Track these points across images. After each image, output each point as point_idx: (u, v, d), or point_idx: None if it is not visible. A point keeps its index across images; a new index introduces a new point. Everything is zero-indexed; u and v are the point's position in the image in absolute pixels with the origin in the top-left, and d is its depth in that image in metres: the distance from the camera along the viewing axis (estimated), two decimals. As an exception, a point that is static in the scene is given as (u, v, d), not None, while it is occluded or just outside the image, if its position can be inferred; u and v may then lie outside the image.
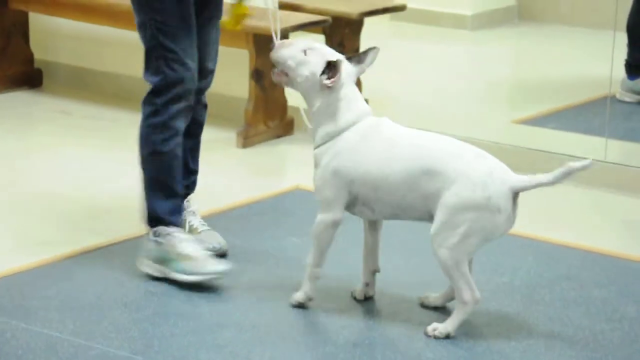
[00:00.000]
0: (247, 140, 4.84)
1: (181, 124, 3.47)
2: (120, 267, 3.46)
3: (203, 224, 3.63)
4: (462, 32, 6.64)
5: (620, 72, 5.39)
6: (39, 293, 3.34)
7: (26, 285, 3.39)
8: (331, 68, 3.17)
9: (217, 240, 3.62)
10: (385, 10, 5.40)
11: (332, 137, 3.21)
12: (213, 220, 3.74)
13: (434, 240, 3.09)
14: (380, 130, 3.21)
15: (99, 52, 5.53)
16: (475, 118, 5.20)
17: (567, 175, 3.08)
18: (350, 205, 3.22)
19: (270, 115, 4.95)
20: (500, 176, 3.09)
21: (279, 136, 4.99)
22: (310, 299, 3.24)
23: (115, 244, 3.67)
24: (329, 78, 3.16)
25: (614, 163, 4.46)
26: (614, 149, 4.59)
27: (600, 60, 5.36)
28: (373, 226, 3.32)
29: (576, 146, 4.64)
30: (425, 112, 5.10)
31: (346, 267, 3.45)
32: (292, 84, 3.28)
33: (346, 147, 3.19)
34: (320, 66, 3.18)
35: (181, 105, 3.44)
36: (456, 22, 6.69)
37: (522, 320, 3.20)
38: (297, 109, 5.07)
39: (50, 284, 3.40)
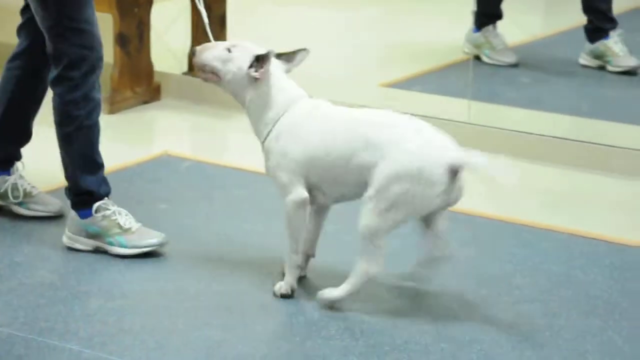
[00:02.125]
0: (113, 106, 4.84)
1: (99, 94, 3.48)
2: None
3: (33, 187, 3.71)
4: None
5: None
6: None
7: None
8: (259, 60, 3.21)
9: (52, 202, 3.74)
10: None
11: (272, 124, 3.26)
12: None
13: (363, 206, 3.13)
14: (318, 110, 3.26)
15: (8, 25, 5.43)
16: (343, 81, 5.23)
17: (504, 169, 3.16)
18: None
19: (136, 81, 4.96)
20: (436, 150, 3.12)
21: (145, 102, 4.99)
22: (293, 290, 3.25)
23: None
24: (256, 71, 3.21)
25: (477, 125, 4.56)
26: (476, 111, 4.69)
27: (465, 23, 5.52)
28: (319, 212, 3.35)
29: (440, 108, 4.73)
30: (295, 75, 5.06)
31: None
32: (222, 83, 3.31)
33: (287, 130, 3.24)
34: (247, 60, 3.23)
35: (96, 74, 3.45)
36: None
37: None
38: (163, 74, 5.09)
39: None
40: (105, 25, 4.78)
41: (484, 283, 3.32)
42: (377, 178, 3.12)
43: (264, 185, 3.82)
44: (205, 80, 3.34)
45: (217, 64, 3.28)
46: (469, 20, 5.49)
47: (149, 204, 3.86)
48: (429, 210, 3.19)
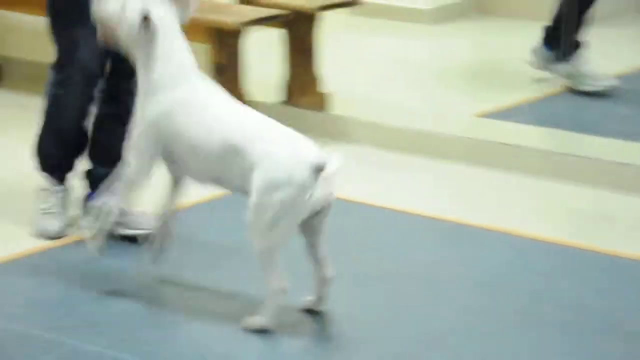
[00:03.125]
0: None
1: None
2: (87, 261, 3.47)
3: None
4: (420, 25, 6.65)
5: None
6: (3, 289, 3.37)
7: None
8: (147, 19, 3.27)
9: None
10: (343, 5, 5.39)
11: (153, 89, 3.31)
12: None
13: (248, 225, 3.18)
14: (199, 97, 3.30)
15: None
16: (438, 112, 5.25)
17: None
18: (166, 160, 3.32)
19: None
20: (301, 153, 3.19)
21: None
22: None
23: (79, 240, 3.67)
24: (145, 27, 3.26)
25: (575, 155, 4.53)
26: (574, 142, 4.67)
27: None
28: (176, 183, 3.43)
29: (537, 139, 4.74)
30: (387, 106, 5.14)
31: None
32: (116, 41, 3.34)
33: (165, 106, 3.28)
34: (137, 17, 3.27)
35: None
36: (414, 16, 6.70)
37: (491, 314, 3.25)
38: (258, 103, 5.12)
39: (15, 279, 3.42)
40: (203, 55, 4.90)
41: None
42: (253, 192, 3.19)
43: (361, 213, 3.87)
44: (106, 41, 3.38)
45: (113, 14, 3.31)
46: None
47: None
48: (307, 214, 3.22)
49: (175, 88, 3.30)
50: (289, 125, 4.87)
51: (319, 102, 5.12)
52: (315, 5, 5.09)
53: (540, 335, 3.10)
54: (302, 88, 5.13)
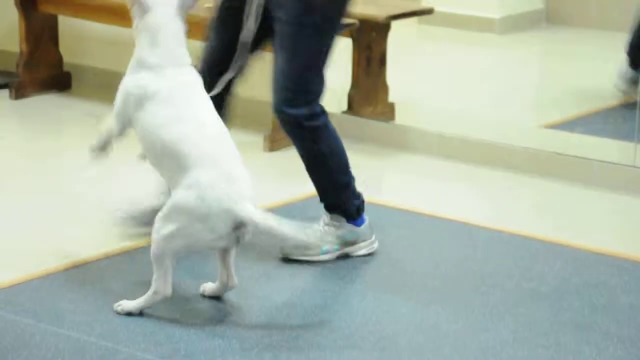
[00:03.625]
0: (274, 143, 4.87)
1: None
2: (149, 270, 3.44)
3: None
4: (490, 35, 6.65)
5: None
6: (68, 296, 3.35)
7: (55, 288, 3.41)
8: None
9: None
10: (412, 14, 5.41)
11: (138, 65, 3.36)
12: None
13: (155, 223, 3.23)
14: (170, 89, 3.32)
15: (127, 55, 5.54)
16: (505, 122, 5.21)
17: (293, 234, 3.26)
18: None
19: None
20: (229, 203, 3.17)
21: None
22: None
23: (142, 247, 3.66)
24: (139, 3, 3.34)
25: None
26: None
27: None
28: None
29: (605, 151, 4.65)
30: (454, 117, 5.10)
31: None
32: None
33: (140, 84, 3.33)
34: None
35: None
36: (484, 25, 6.68)
37: (549, 326, 3.20)
38: None
39: (79, 287, 3.42)
40: (269, 65, 4.88)
41: None
42: (168, 205, 3.22)
43: (425, 225, 3.89)
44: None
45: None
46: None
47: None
48: (204, 249, 3.34)
49: (155, 72, 3.34)
50: (352, 135, 4.93)
51: (385, 112, 5.11)
52: (384, 14, 5.05)
53: (599, 349, 3.05)
54: (367, 98, 5.11)
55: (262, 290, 3.50)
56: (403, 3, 5.81)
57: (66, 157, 4.83)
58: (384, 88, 5.09)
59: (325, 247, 3.81)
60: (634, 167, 4.47)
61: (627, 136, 4.77)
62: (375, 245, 3.88)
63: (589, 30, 6.63)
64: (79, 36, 5.67)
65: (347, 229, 3.85)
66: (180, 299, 3.39)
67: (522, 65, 6.34)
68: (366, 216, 3.86)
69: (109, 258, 3.59)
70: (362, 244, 3.85)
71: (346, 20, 4.96)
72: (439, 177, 4.69)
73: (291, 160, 4.80)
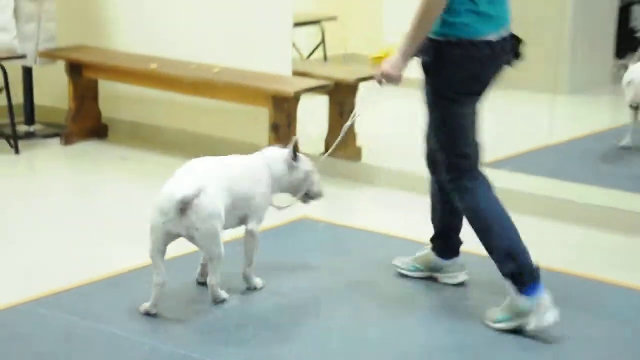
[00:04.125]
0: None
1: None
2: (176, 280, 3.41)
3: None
4: None
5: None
6: (105, 299, 3.35)
7: (95, 293, 3.41)
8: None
9: None
10: (374, 77, 5.37)
11: None
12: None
13: None
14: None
15: (151, 110, 5.58)
16: None
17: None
18: None
19: None
20: (172, 189, 3.14)
21: None
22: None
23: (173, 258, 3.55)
24: None
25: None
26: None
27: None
28: None
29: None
30: (411, 156, 4.68)
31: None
32: None
33: None
34: None
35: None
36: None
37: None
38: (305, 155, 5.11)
39: (113, 291, 3.41)
40: (263, 116, 4.90)
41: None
42: None
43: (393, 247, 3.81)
44: None
45: None
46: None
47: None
48: (168, 235, 3.16)
49: None
50: (328, 173, 4.88)
51: (354, 154, 5.05)
52: (353, 77, 5.05)
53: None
54: (340, 142, 5.01)
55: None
56: (367, 68, 5.80)
57: (104, 188, 4.83)
58: (353, 135, 5.04)
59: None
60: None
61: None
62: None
63: (516, 91, 6.00)
64: (114, 95, 5.63)
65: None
66: (188, 302, 3.34)
67: None
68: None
69: (137, 270, 3.56)
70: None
71: (323, 82, 5.00)
72: (397, 206, 4.60)
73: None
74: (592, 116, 5.87)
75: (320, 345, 3.05)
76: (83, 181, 5.00)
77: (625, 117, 5.35)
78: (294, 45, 5.50)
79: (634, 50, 6.71)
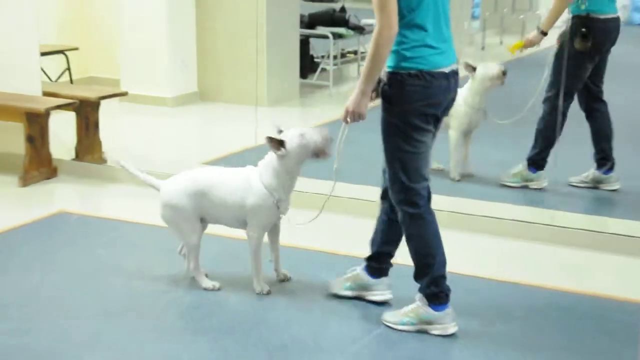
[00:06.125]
0: (25, 182, 4.59)
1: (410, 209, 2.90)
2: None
3: None
4: (165, 108, 6.43)
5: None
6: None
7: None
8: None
9: None
10: (114, 95, 5.35)
11: None
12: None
13: None
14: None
15: None
16: (174, 161, 4.95)
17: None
18: None
19: (40, 164, 4.73)
20: (174, 185, 3.16)
21: (47, 178, 4.73)
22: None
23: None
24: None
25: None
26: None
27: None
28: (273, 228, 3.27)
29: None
30: (147, 159, 4.92)
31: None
32: None
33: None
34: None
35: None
36: (161, 101, 6.49)
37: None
38: (59, 160, 4.82)
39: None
40: (19, 130, 4.72)
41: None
42: None
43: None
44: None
45: None
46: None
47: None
48: (177, 226, 3.15)
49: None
50: (79, 174, 4.76)
51: (100, 158, 5.00)
52: (95, 96, 4.98)
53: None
54: (88, 150, 4.97)
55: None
56: (107, 88, 5.75)
57: None
58: (99, 142, 5.01)
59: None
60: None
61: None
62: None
63: (228, 105, 6.47)
64: None
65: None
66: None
67: (187, 128, 6.19)
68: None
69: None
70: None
71: (69, 100, 4.79)
72: (139, 195, 4.20)
73: (38, 192, 4.54)
74: (285, 122, 5.88)
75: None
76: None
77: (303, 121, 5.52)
78: (43, 70, 5.36)
79: (314, 71, 7.20)
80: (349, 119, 2.82)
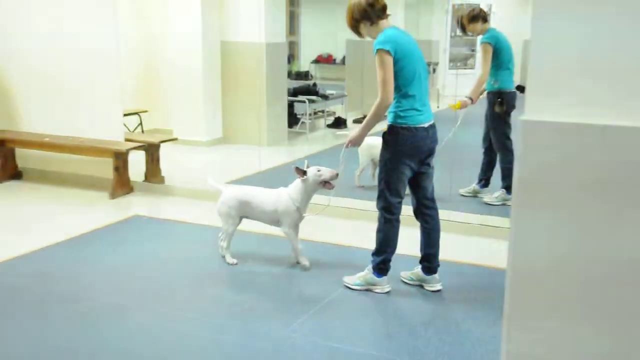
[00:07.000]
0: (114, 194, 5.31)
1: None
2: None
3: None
4: (201, 147, 6.91)
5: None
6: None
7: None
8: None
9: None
10: (169, 140, 5.89)
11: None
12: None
13: None
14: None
15: (46, 161, 5.81)
16: None
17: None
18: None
19: (123, 184, 5.40)
20: (230, 192, 3.61)
21: (127, 193, 5.43)
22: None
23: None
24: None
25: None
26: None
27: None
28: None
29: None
30: (193, 180, 5.61)
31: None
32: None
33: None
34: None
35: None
36: (198, 143, 7.09)
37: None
38: (135, 182, 5.63)
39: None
40: (109, 163, 5.48)
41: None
42: None
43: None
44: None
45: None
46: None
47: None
48: (230, 222, 3.54)
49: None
50: (148, 191, 5.49)
51: (160, 180, 5.61)
52: (157, 140, 5.64)
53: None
54: (152, 174, 5.59)
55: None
56: (165, 135, 6.44)
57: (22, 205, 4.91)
58: (159, 170, 5.65)
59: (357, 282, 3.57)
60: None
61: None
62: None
63: (241, 145, 7.13)
64: (24, 154, 5.89)
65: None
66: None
67: (214, 160, 6.60)
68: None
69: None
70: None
71: (141, 143, 5.41)
72: (188, 204, 4.98)
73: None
74: (279, 157, 6.71)
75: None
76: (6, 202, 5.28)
77: (290, 156, 6.18)
78: (125, 125, 6.46)
79: (297, 123, 8.53)
80: (349, 146, 3.46)
